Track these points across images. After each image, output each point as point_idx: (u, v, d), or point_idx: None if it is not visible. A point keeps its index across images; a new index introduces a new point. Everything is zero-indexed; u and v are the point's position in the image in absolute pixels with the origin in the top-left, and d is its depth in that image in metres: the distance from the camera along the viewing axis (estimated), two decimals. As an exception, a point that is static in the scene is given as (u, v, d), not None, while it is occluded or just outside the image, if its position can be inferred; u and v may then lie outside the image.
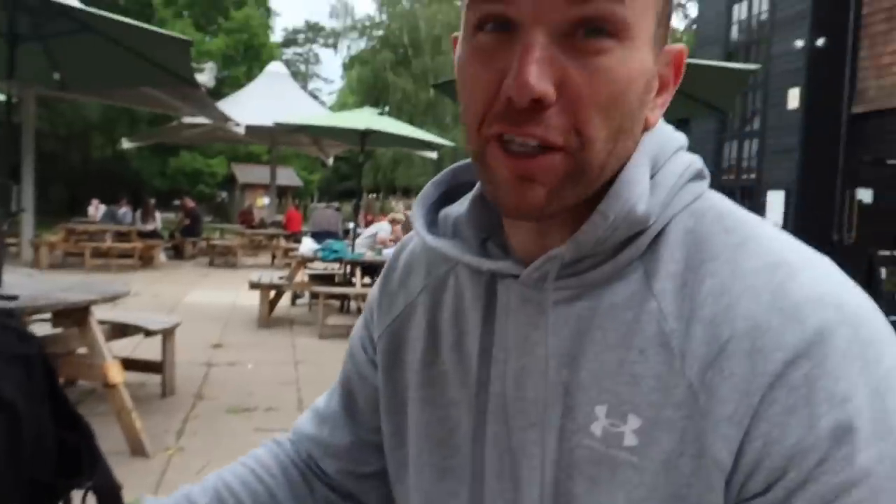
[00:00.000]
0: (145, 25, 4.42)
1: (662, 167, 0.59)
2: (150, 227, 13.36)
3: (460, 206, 0.68)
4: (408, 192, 33.21)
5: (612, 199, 0.56)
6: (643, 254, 0.58)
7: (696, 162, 0.62)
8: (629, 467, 0.55)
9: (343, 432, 0.83)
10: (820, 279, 0.54)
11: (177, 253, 14.38)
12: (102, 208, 14.57)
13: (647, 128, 0.59)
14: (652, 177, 0.58)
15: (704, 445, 0.52)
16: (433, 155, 15.17)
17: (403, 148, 15.98)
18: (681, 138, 0.63)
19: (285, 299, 8.12)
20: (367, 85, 32.11)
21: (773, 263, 0.54)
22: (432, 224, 0.69)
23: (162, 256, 13.14)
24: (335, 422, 0.83)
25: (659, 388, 0.54)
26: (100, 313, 3.90)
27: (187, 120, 13.36)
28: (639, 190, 0.56)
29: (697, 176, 0.61)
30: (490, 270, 0.63)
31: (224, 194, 31.29)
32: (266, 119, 12.85)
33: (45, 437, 1.19)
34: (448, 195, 0.72)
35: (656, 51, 0.57)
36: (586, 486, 0.57)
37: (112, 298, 3.77)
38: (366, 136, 8.13)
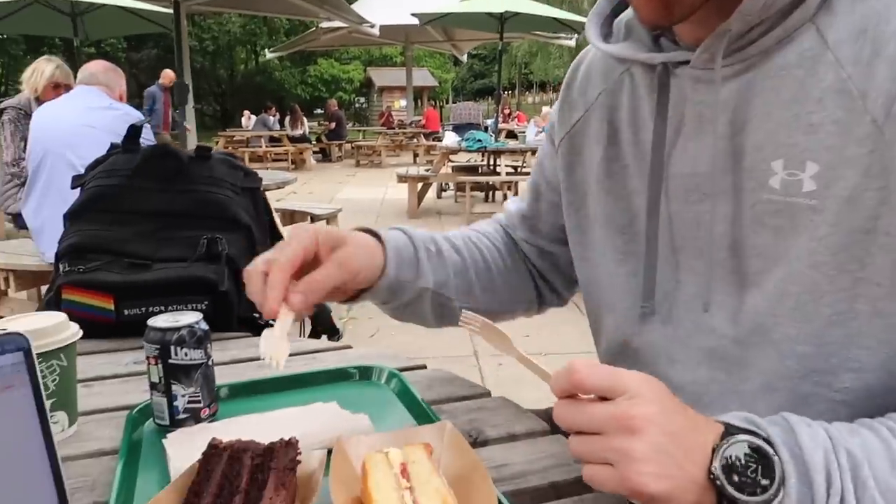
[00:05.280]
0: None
1: None
2: (298, 131, 14.04)
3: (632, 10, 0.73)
4: (544, 87, 32.22)
5: None
6: (814, 14, 0.60)
7: None
8: (809, 210, 0.60)
9: (530, 225, 0.96)
10: None
11: (324, 156, 15.07)
12: (253, 118, 15.44)
13: None
14: None
15: (891, 173, 0.56)
16: (571, 42, 14.51)
17: (540, 38, 15.38)
18: None
19: (431, 192, 8.34)
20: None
21: None
22: (607, 36, 0.77)
23: (311, 159, 13.83)
24: (522, 217, 0.98)
25: (838, 132, 0.58)
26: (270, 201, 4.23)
27: (324, 25, 13.60)
28: None
29: None
30: (662, 62, 0.68)
31: (362, 100, 32.00)
32: (400, 17, 12.83)
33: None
34: (618, 8, 0.78)
35: None
36: (769, 238, 0.63)
37: (283, 184, 4.08)
38: (504, 21, 7.91)
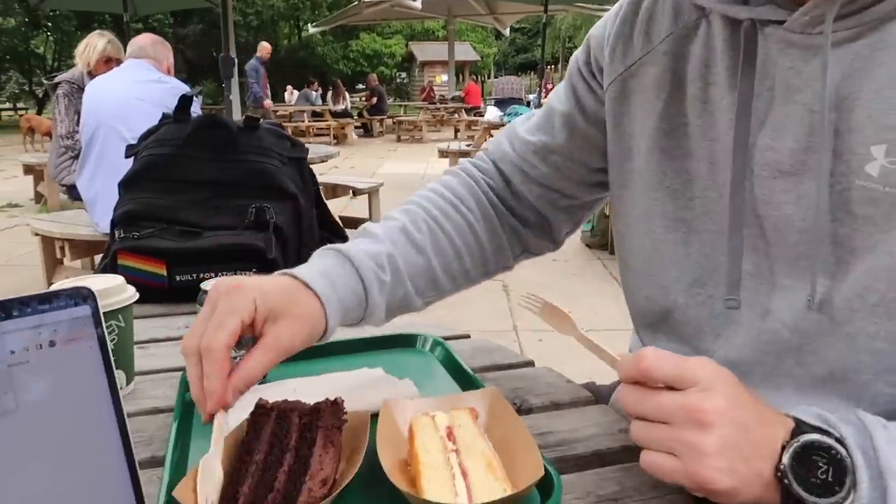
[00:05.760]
0: None
1: None
2: (340, 106, 14.11)
3: None
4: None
5: None
6: None
7: None
8: None
9: (552, 162, 0.85)
10: None
11: (366, 131, 15.13)
12: (296, 93, 15.56)
13: None
14: None
15: None
16: (617, 14, 14.18)
17: (584, 10, 15.06)
18: None
19: (472, 168, 8.32)
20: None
21: None
22: None
23: (353, 134, 13.91)
24: (545, 152, 0.85)
25: None
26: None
27: (367, -2, 13.59)
28: None
29: None
30: (750, 18, 0.61)
31: (403, 75, 31.95)
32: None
33: (314, 231, 1.37)
34: None
35: None
36: (855, 227, 0.57)
37: (326, 158, 4.12)
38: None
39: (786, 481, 0.49)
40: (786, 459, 0.49)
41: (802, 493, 0.49)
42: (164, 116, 1.29)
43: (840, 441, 0.50)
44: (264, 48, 10.89)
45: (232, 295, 0.61)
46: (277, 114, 13.44)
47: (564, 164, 0.85)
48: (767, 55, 0.61)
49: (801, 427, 0.51)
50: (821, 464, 0.49)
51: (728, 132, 0.65)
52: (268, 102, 11.14)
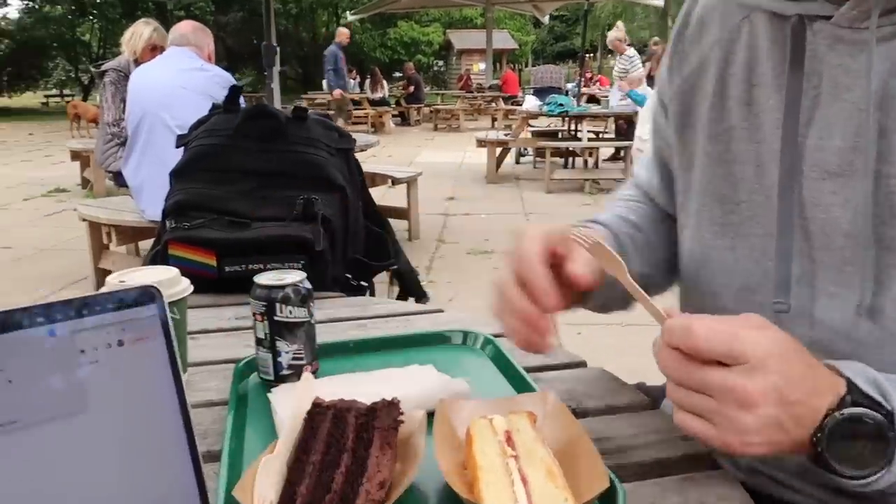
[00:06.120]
0: None
1: None
2: (378, 95, 14.13)
3: None
4: (627, 49, 31.19)
5: None
6: None
7: None
8: None
9: (660, 194, 0.88)
10: None
11: (403, 119, 15.13)
12: (335, 81, 15.62)
13: None
14: None
15: None
16: (658, 1, 13.92)
17: (625, -3, 14.83)
18: None
19: (509, 157, 8.26)
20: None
21: None
22: None
23: (390, 123, 13.93)
24: (648, 187, 0.90)
25: None
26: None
27: (406, -14, 13.57)
28: None
29: None
30: (797, 14, 0.59)
31: (440, 63, 31.88)
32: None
33: (359, 222, 1.36)
34: None
35: None
36: None
37: (365, 147, 4.13)
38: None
39: (819, 448, 0.49)
40: (824, 429, 0.49)
41: (834, 462, 0.49)
42: (214, 107, 1.30)
43: (890, 414, 0.49)
44: (343, 33, 10.97)
45: (527, 240, 0.64)
46: (315, 101, 13.52)
47: (668, 195, 0.86)
48: (815, 52, 0.60)
49: (851, 393, 0.50)
50: (862, 437, 0.49)
51: (775, 132, 0.63)
52: (337, 92, 11.12)
